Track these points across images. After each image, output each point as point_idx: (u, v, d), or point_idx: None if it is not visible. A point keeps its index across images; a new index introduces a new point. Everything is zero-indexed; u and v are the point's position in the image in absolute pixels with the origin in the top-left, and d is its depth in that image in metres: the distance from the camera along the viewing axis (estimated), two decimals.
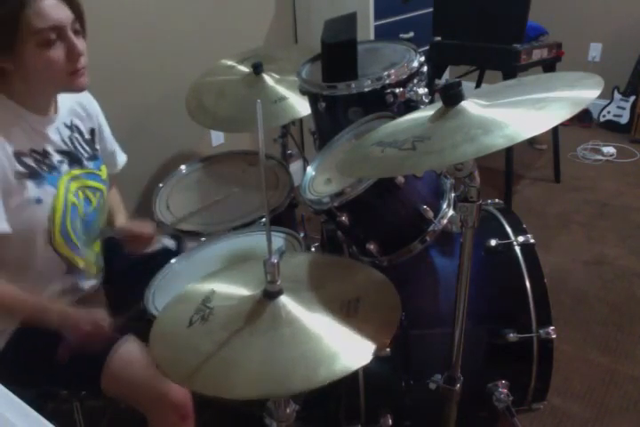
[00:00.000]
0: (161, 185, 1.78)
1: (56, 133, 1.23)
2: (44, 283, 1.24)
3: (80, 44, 1.12)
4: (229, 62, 1.94)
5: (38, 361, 1.21)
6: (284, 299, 0.84)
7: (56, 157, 1.21)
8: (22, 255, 1.18)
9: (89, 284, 1.34)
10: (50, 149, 1.20)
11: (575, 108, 0.82)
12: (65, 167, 1.23)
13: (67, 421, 1.38)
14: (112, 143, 1.48)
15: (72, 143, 1.27)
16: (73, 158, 1.25)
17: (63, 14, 1.08)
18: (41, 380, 1.25)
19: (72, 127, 1.29)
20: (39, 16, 1.05)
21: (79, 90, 1.18)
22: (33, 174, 1.14)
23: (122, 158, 1.53)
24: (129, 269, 1.45)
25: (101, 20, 1.95)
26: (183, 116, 1.82)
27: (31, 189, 1.13)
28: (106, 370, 1.16)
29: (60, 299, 1.27)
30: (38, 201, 1.14)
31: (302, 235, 1.90)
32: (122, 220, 1.46)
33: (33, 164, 1.15)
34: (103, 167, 1.35)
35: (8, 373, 1.16)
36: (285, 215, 1.67)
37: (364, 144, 1.04)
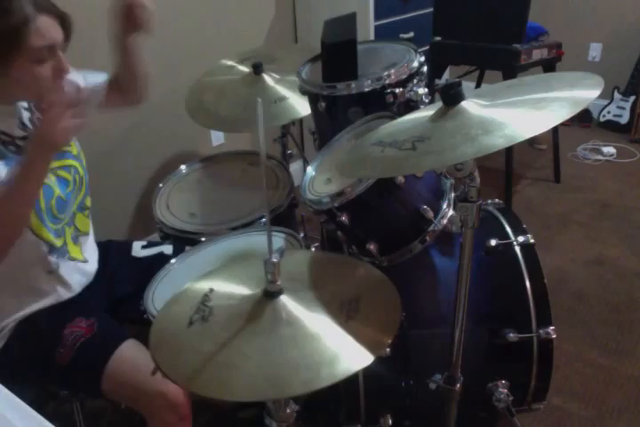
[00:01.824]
0: (161, 185, 1.79)
1: (16, 119, 1.21)
2: (27, 266, 1.22)
3: (66, 61, 1.12)
4: (229, 62, 1.94)
5: (39, 361, 1.21)
6: (284, 299, 0.84)
7: (20, 143, 1.19)
8: None
9: (80, 268, 1.33)
10: (14, 134, 1.18)
11: (575, 108, 0.82)
12: None
13: (67, 421, 1.38)
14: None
15: (34, 125, 1.24)
16: None
17: (57, 33, 1.09)
18: (41, 379, 1.26)
19: (31, 108, 1.26)
20: (38, 34, 1.05)
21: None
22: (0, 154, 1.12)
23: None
24: (129, 270, 1.44)
25: (101, 20, 1.95)
26: (183, 116, 1.82)
27: (1, 169, 1.11)
28: (106, 371, 1.16)
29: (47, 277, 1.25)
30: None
31: (302, 235, 1.90)
32: None
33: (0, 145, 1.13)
34: (73, 143, 1.32)
35: (8, 371, 1.16)
36: (285, 215, 1.67)
37: (364, 144, 1.04)
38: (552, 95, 0.89)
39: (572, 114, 0.81)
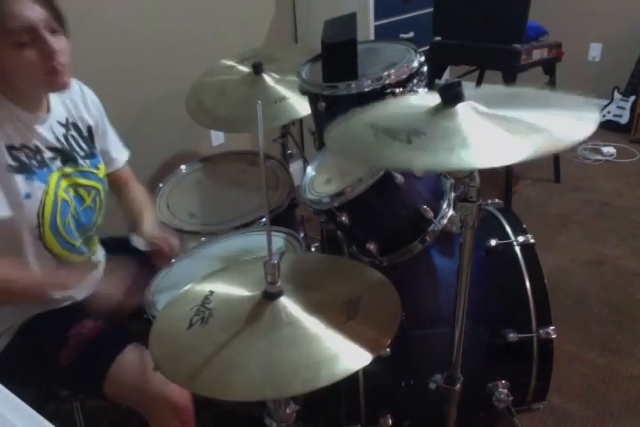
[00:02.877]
0: (161, 185, 1.79)
1: (49, 131, 1.22)
2: None
3: (56, 42, 1.09)
4: (229, 62, 1.94)
5: (41, 360, 1.21)
6: (284, 300, 0.84)
7: (47, 154, 1.20)
8: (9, 250, 1.17)
9: (91, 275, 1.34)
10: (41, 145, 1.19)
11: (553, 147, 0.78)
12: (57, 164, 1.22)
13: (67, 421, 1.38)
14: (110, 142, 1.45)
15: (67, 141, 1.26)
16: (66, 156, 1.24)
17: (35, 14, 1.05)
18: (44, 380, 1.26)
19: (68, 125, 1.27)
20: (11, 17, 1.02)
21: (59, 89, 1.16)
22: (23, 169, 1.13)
23: (119, 156, 1.49)
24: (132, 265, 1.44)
25: (102, 21, 1.95)
26: (183, 116, 1.82)
27: (20, 183, 1.12)
28: (109, 374, 1.16)
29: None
30: (27, 196, 1.13)
31: (302, 235, 1.90)
32: (149, 224, 1.44)
33: (24, 158, 1.14)
34: (101, 166, 1.34)
35: (11, 371, 1.16)
36: (285, 215, 1.67)
37: (358, 121, 0.98)
38: (543, 122, 0.84)
39: (549, 151, 0.77)
